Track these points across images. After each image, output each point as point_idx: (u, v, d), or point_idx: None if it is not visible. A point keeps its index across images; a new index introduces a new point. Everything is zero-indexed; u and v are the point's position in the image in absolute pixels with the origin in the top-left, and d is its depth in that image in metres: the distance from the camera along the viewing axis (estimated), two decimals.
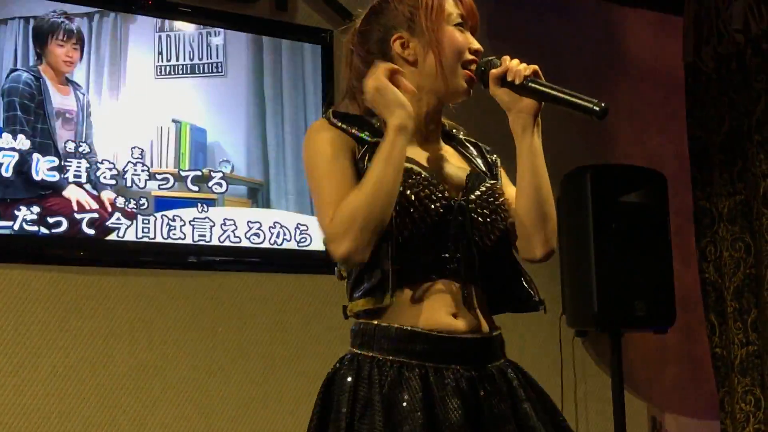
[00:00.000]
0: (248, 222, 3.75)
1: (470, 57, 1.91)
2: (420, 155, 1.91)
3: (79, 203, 3.45)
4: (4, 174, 3.33)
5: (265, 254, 3.77)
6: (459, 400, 1.77)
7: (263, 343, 3.74)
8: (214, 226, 3.69)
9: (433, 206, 1.81)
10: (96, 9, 3.61)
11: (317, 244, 3.83)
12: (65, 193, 3.44)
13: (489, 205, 1.89)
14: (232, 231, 3.72)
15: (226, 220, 3.71)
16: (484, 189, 1.91)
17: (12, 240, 3.36)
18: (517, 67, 1.85)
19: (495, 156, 2.08)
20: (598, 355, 4.48)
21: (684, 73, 4.61)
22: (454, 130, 2.07)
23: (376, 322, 1.83)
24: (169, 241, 3.62)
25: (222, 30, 3.85)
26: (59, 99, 3.50)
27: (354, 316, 1.88)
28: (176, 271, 3.67)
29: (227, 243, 3.70)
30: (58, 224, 3.41)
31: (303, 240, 3.83)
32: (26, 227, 3.35)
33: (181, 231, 3.63)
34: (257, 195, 3.83)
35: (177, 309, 3.63)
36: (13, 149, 3.36)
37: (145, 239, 3.57)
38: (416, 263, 1.83)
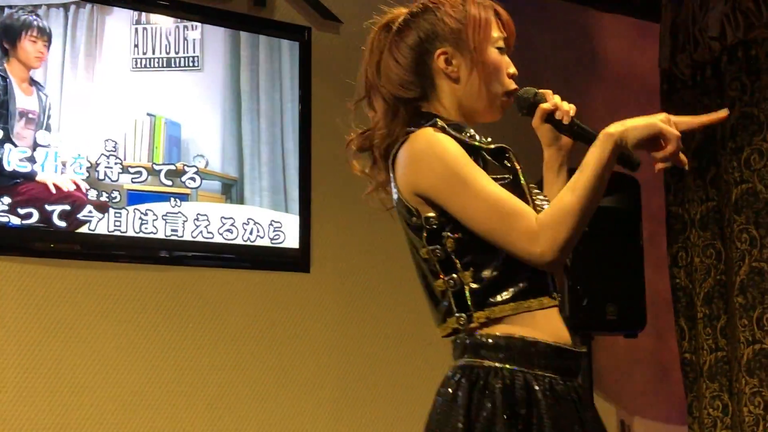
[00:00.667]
0: (222, 218, 3.71)
1: (510, 83, 1.91)
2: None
3: (56, 186, 3.41)
4: None
5: (239, 250, 3.74)
6: (578, 415, 1.76)
7: (234, 339, 3.71)
8: (186, 221, 3.66)
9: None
10: (73, 0, 3.57)
11: (291, 242, 3.80)
12: (39, 178, 3.40)
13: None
14: (205, 227, 3.68)
15: (199, 216, 3.68)
16: (541, 197, 1.92)
17: None
18: (564, 107, 1.88)
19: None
20: None
21: (659, 79, 4.62)
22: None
23: (519, 335, 1.75)
24: (141, 235, 3.58)
25: (199, 24, 3.81)
26: (23, 99, 3.44)
27: (482, 325, 1.79)
28: (148, 266, 3.64)
29: (200, 239, 3.67)
30: (29, 215, 3.37)
31: (276, 237, 3.80)
32: None
33: (153, 225, 3.60)
34: (231, 191, 3.79)
35: (147, 303, 3.60)
36: None
37: (117, 233, 3.53)
38: (545, 277, 1.82)
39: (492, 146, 1.89)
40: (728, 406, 4.21)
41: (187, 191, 3.68)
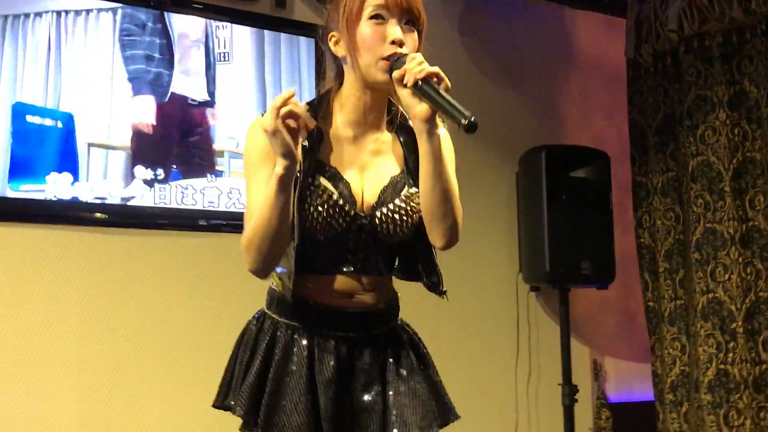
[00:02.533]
0: None
1: (388, 49, 1.75)
2: (346, 159, 1.84)
3: None
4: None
5: None
6: (334, 360, 1.82)
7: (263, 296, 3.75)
8: (221, 194, 3.71)
9: (335, 223, 1.79)
10: (119, 5, 3.59)
11: None
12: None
13: (395, 221, 1.83)
14: (237, 199, 3.73)
15: (232, 189, 3.73)
16: (392, 206, 1.82)
17: (49, 205, 3.37)
18: (413, 69, 1.67)
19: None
20: (549, 308, 4.52)
21: (626, 67, 4.64)
22: (401, 117, 1.91)
23: (279, 290, 1.87)
24: (183, 206, 3.63)
25: (229, 24, 3.84)
26: None
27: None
28: (188, 233, 3.67)
29: (232, 209, 3.71)
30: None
31: None
32: (60, 194, 3.37)
33: (192, 198, 3.64)
34: None
35: (189, 265, 3.64)
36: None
37: (162, 204, 3.58)
38: (321, 260, 1.83)
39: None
40: (686, 347, 4.25)
41: (222, 169, 3.73)
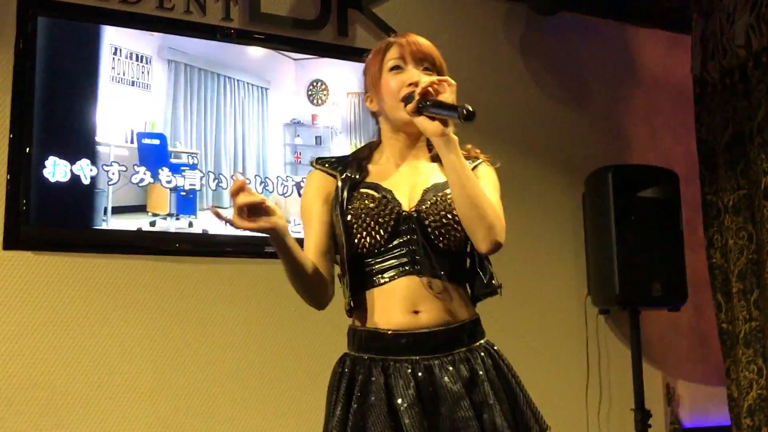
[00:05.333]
0: None
1: (405, 90, 1.95)
2: (393, 175, 2.01)
3: None
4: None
5: None
6: (413, 384, 1.85)
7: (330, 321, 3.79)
8: (289, 223, 3.78)
9: (382, 220, 1.91)
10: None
11: None
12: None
13: (438, 212, 1.92)
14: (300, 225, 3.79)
15: (296, 217, 3.80)
16: (434, 199, 1.94)
17: (121, 235, 3.49)
18: (415, 96, 1.87)
19: (472, 162, 2.03)
20: (619, 331, 4.48)
21: (692, 84, 4.61)
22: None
23: (352, 327, 1.98)
24: (248, 234, 3.69)
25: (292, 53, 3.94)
26: None
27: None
28: (254, 260, 3.73)
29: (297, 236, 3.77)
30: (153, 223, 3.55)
31: None
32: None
33: None
34: None
35: (257, 293, 3.72)
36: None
37: (230, 233, 3.65)
38: (376, 269, 1.93)
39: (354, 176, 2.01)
40: (762, 370, 4.17)
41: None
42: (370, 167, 2.04)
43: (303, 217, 2.04)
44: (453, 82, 1.88)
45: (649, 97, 4.87)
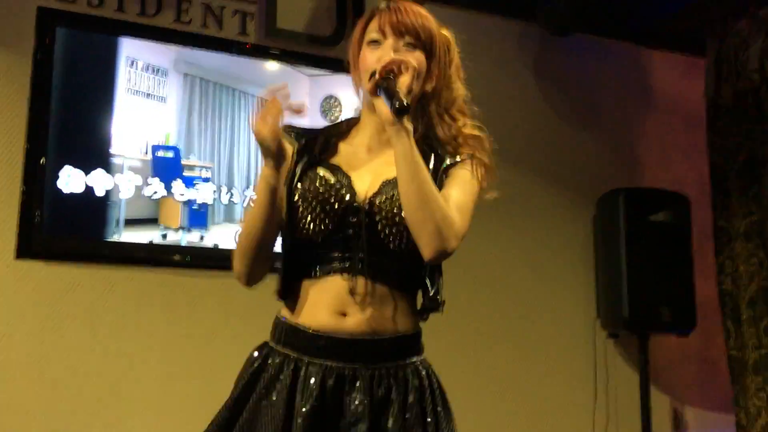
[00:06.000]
0: None
1: (374, 66, 1.73)
2: (355, 163, 1.83)
3: None
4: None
5: None
6: (318, 391, 1.71)
7: None
8: None
9: (329, 207, 1.74)
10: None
11: None
12: None
13: (392, 209, 1.73)
14: None
15: None
16: (391, 194, 1.74)
17: (132, 248, 3.51)
18: (377, 74, 1.69)
19: (453, 160, 1.83)
20: (627, 355, 4.46)
21: (705, 107, 4.61)
22: (434, 140, 1.85)
23: (278, 315, 1.85)
24: None
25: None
26: None
27: None
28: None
29: None
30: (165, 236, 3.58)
31: None
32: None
33: None
34: None
35: (267, 305, 3.71)
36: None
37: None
38: (314, 258, 1.77)
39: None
40: None
41: None
42: (341, 146, 1.86)
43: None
44: (413, 64, 1.72)
45: (662, 119, 4.86)
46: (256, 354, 1.83)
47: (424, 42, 1.82)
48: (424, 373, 1.79)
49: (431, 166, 1.78)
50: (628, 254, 4.14)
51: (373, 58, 1.77)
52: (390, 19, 1.80)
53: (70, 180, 3.40)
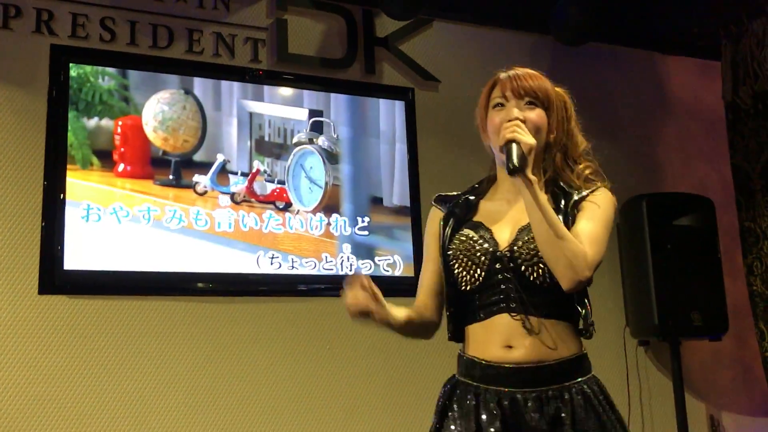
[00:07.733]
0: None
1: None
2: (497, 217, 2.05)
3: None
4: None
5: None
6: (499, 413, 1.92)
7: (362, 356, 3.81)
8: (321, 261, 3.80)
9: (478, 260, 1.98)
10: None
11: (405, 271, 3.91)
12: None
13: (530, 250, 1.94)
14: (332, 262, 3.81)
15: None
16: (526, 238, 1.96)
17: (155, 277, 3.52)
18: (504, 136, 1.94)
19: (580, 194, 2.04)
20: (659, 362, 4.40)
21: (724, 110, 4.57)
22: (562, 182, 2.07)
23: (459, 351, 2.08)
24: (281, 272, 3.72)
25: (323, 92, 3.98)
26: None
27: None
28: (287, 298, 3.76)
29: (331, 272, 3.79)
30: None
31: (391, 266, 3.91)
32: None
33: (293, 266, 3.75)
34: None
35: (291, 330, 3.72)
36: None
37: (260, 271, 3.68)
38: (477, 304, 2.01)
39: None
40: None
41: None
42: (482, 203, 2.10)
43: (424, 254, 2.16)
44: (518, 122, 1.94)
45: (681, 124, 4.83)
46: (445, 386, 2.07)
47: (542, 100, 2.04)
48: (589, 391, 1.97)
49: (561, 204, 2.01)
50: (654, 260, 4.09)
51: (498, 119, 2.00)
52: (511, 85, 2.03)
53: (90, 213, 3.42)
